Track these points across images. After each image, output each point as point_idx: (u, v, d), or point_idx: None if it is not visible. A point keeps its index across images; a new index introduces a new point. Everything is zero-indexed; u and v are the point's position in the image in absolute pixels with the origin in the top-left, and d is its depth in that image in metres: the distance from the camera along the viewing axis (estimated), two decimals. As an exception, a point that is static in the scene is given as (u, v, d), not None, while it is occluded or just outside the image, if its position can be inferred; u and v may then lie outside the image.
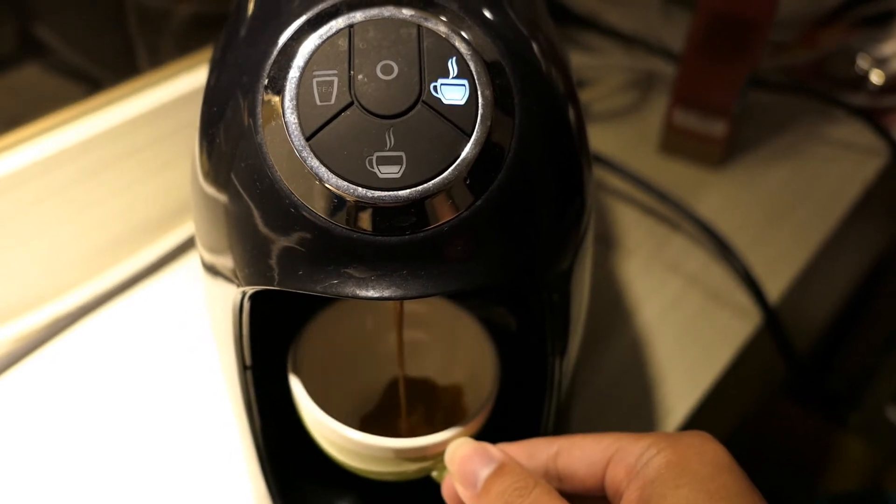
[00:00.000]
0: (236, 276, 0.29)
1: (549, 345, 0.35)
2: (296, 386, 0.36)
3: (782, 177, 0.68)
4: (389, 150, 0.26)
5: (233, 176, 0.28)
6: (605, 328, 0.55)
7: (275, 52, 0.27)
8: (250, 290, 0.29)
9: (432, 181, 0.26)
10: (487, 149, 0.26)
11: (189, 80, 0.56)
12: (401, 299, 0.27)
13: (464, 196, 0.26)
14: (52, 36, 0.60)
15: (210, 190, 0.29)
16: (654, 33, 0.78)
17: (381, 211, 0.26)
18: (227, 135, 0.28)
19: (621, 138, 0.71)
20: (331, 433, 0.35)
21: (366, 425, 0.36)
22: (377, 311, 0.41)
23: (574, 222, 0.31)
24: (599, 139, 0.70)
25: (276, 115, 0.26)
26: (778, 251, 0.61)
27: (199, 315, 0.53)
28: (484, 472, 0.30)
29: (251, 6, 0.31)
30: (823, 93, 0.73)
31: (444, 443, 0.33)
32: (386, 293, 0.26)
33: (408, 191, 0.26)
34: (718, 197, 0.66)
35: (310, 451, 0.38)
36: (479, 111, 0.26)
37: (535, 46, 0.30)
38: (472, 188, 0.26)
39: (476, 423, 0.35)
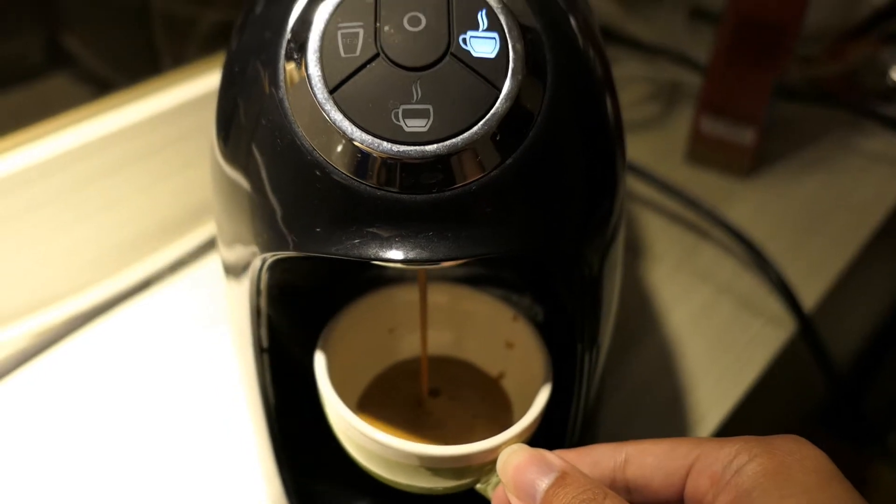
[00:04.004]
0: (255, 244, 0.28)
1: (579, 332, 0.33)
2: (319, 370, 0.33)
3: (813, 188, 0.66)
4: (416, 103, 0.25)
5: (253, 135, 0.27)
6: (632, 335, 0.53)
7: (298, 7, 0.26)
8: (270, 256, 0.28)
9: (460, 136, 0.25)
10: (518, 104, 0.25)
11: (212, 79, 0.55)
12: (427, 262, 0.25)
13: (492, 154, 0.25)
14: (80, 46, 0.60)
15: (229, 154, 0.28)
16: (678, 44, 0.77)
17: (406, 167, 0.25)
18: (248, 93, 0.27)
19: (646, 149, 0.69)
20: (355, 433, 0.31)
21: (397, 432, 0.33)
22: (409, 301, 0.38)
23: (607, 193, 0.29)
24: (624, 150, 0.69)
25: (299, 68, 0.25)
26: (810, 263, 0.59)
27: (216, 319, 0.52)
28: (543, 482, 0.26)
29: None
30: (856, 104, 0.72)
31: (494, 450, 0.30)
32: (411, 255, 0.25)
33: (435, 146, 0.25)
34: (746, 208, 0.64)
35: (335, 454, 0.35)
36: (510, 65, 0.25)
37: (571, 20, 0.29)
38: (501, 146, 0.25)
39: (529, 427, 0.31)
